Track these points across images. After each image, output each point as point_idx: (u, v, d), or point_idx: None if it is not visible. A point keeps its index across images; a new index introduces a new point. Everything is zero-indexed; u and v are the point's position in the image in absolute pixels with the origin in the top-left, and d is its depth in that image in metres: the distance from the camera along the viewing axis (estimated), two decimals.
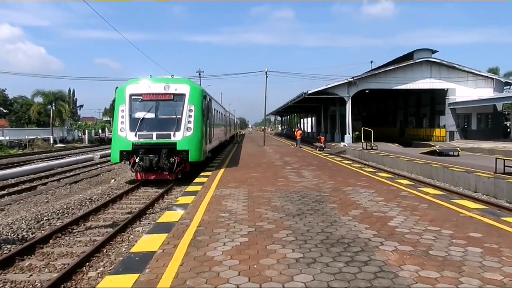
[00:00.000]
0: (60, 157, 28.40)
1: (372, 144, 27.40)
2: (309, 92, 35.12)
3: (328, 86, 35.02)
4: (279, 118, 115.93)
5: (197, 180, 11.68)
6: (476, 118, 36.34)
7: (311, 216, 6.67)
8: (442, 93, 35.74)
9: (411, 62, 34.66)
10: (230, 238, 5.46)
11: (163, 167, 13.13)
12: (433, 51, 35.94)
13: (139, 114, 13.68)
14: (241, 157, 20.47)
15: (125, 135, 13.38)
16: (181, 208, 7.56)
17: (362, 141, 28.90)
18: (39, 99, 49.43)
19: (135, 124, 13.42)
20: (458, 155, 20.96)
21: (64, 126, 54.36)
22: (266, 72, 33.97)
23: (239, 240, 5.33)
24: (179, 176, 13.70)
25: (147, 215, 9.49)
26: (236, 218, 6.65)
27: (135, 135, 13.29)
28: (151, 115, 13.70)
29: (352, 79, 34.72)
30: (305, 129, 66.44)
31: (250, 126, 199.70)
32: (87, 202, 10.81)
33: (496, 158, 13.46)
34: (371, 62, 65.07)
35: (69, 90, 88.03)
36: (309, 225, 6.08)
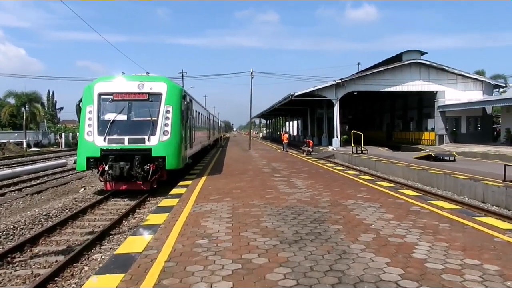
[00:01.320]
0: (30, 162, 26.35)
1: (363, 148, 26.26)
2: (296, 94, 33.83)
3: (316, 88, 33.81)
4: (264, 121, 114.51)
5: (174, 191, 10.20)
6: (466, 121, 35.63)
7: (313, 244, 5.27)
8: (430, 96, 34.91)
9: (400, 64, 33.69)
10: (208, 282, 4.01)
11: (136, 176, 11.59)
12: (422, 53, 35.13)
13: (109, 116, 12.10)
14: (225, 163, 19.00)
15: (92, 139, 11.78)
16: (149, 232, 6.09)
17: (352, 145, 27.75)
18: (12, 101, 46.91)
19: (104, 127, 11.84)
20: (454, 160, 19.92)
21: (39, 129, 51.79)
22: (251, 73, 32.68)
23: (220, 287, 3.89)
24: (155, 186, 12.17)
25: (111, 236, 7.94)
26: (217, 247, 5.21)
27: (104, 139, 11.71)
28: (122, 117, 12.16)
29: (340, 81, 33.56)
30: (291, 133, 65.23)
31: (235, 129, 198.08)
32: (42, 219, 9.15)
33: (505, 165, 12.32)
34: (358, 64, 63.94)
35: (48, 92, 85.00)
36: (312, 259, 4.67)
